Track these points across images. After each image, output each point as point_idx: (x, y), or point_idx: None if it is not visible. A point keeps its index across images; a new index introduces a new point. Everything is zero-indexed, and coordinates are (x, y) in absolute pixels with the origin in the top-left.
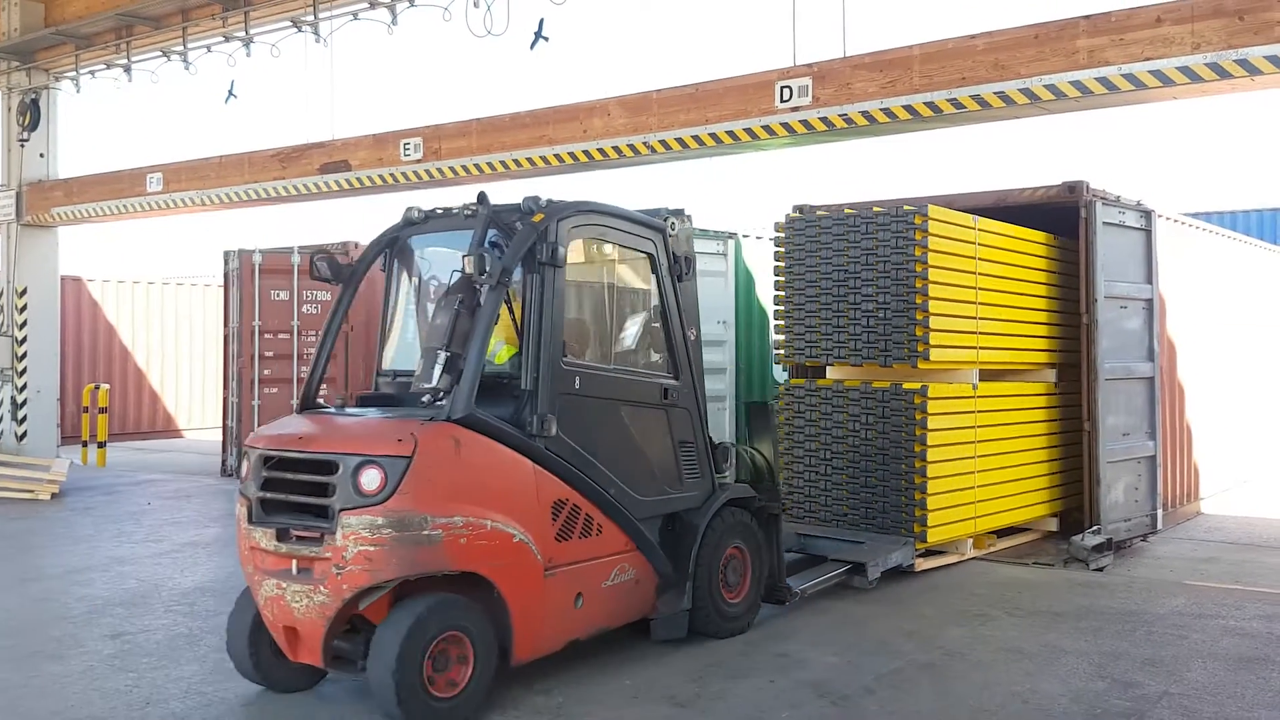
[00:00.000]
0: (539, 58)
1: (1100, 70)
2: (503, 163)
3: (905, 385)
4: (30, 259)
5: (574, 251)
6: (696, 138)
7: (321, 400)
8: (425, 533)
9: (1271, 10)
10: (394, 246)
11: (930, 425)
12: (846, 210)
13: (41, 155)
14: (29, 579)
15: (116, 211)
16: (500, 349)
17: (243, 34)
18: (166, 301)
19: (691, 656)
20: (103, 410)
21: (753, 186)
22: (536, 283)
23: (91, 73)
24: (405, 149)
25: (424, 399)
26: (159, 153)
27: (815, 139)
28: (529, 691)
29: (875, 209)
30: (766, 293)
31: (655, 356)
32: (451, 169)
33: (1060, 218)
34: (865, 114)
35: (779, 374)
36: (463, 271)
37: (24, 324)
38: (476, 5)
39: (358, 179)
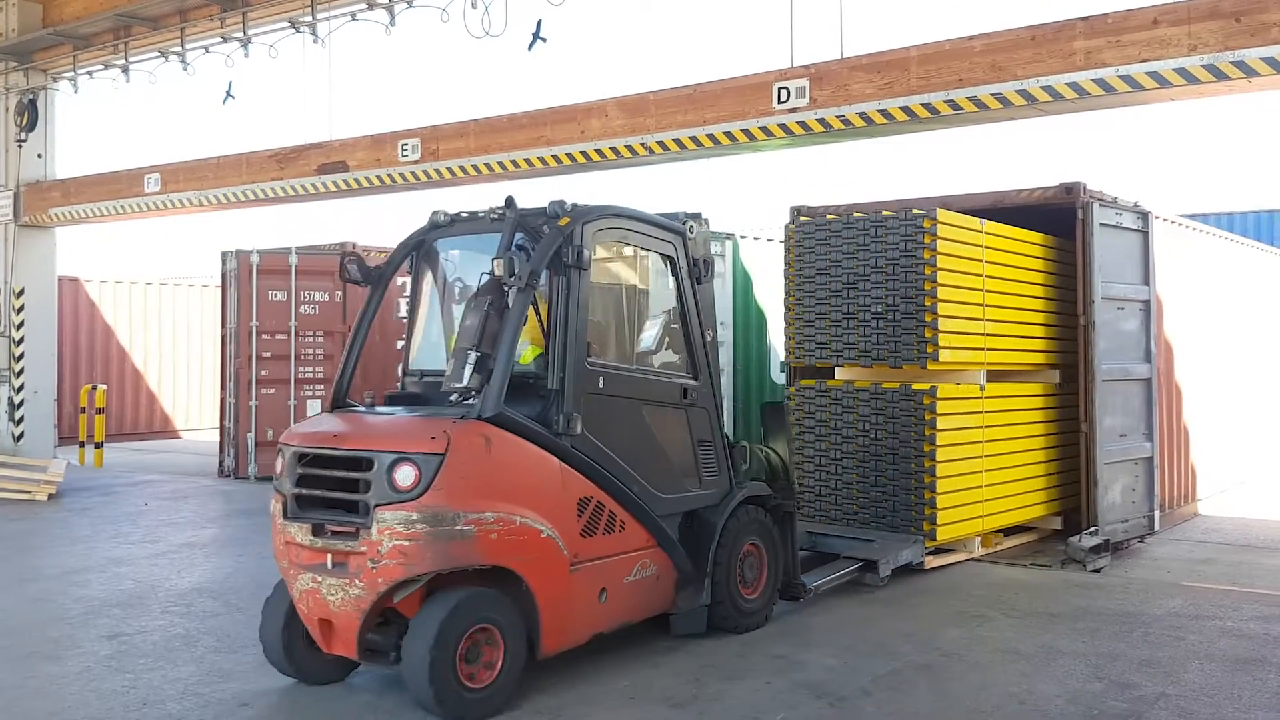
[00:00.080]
0: (537, 59)
1: (1097, 72)
2: (500, 164)
3: (914, 386)
4: (28, 259)
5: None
6: (694, 139)
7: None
8: (458, 528)
9: (1268, 12)
10: (420, 249)
11: (939, 425)
12: (855, 214)
13: (39, 156)
14: (26, 579)
15: (114, 212)
16: (525, 349)
17: (241, 35)
18: (164, 302)
19: (688, 657)
20: (100, 411)
21: (750, 188)
22: (562, 285)
23: (89, 73)
24: (403, 150)
25: (453, 398)
26: (157, 153)
27: (813, 140)
28: (527, 691)
29: (884, 212)
30: (764, 294)
31: (674, 357)
32: (449, 170)
33: (1057, 219)
34: (862, 115)
35: (777, 375)
36: (492, 273)
37: (21, 324)
38: (474, 6)
39: (355, 180)
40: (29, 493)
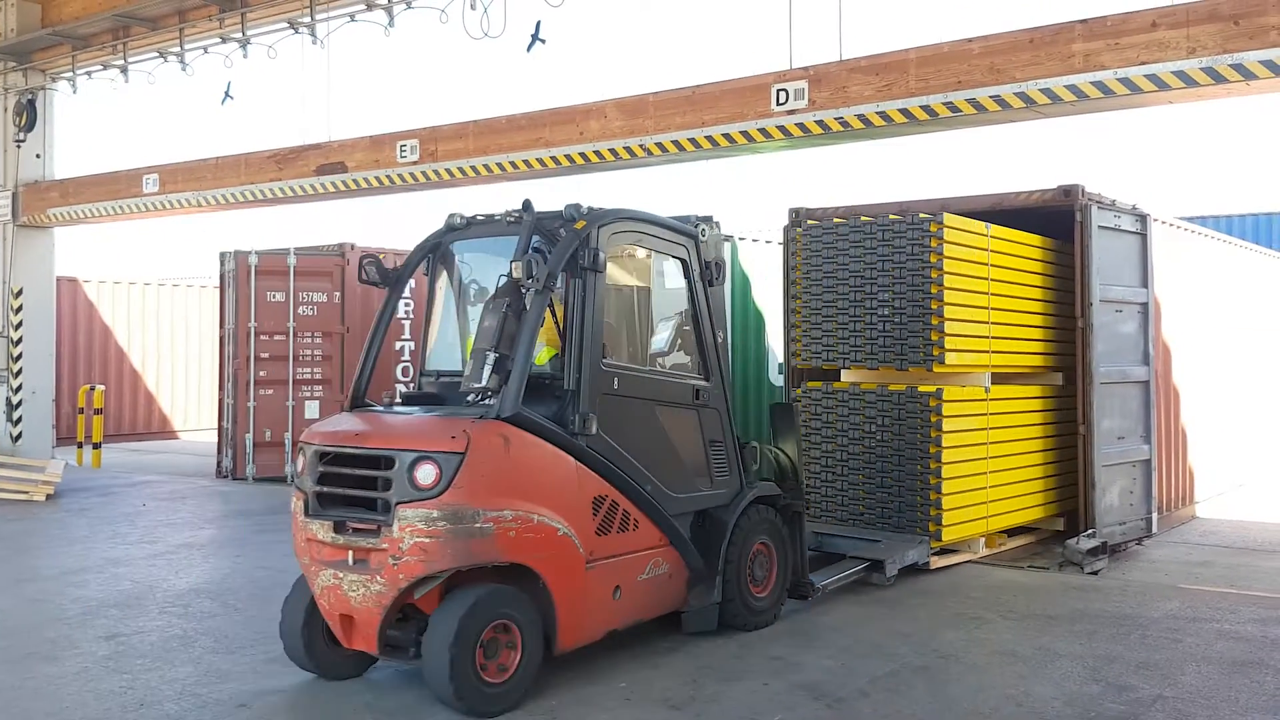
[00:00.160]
0: (536, 60)
1: (1096, 74)
2: (499, 165)
3: (921, 388)
4: (26, 260)
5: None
6: (693, 140)
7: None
8: (477, 525)
9: (1266, 15)
10: (436, 251)
11: (945, 427)
12: (862, 218)
13: (38, 156)
14: (24, 580)
15: (113, 212)
16: (541, 350)
17: (239, 35)
18: (162, 303)
19: (686, 658)
20: (98, 411)
21: (749, 190)
22: (578, 287)
23: (88, 73)
24: (402, 150)
25: (470, 398)
26: (155, 154)
27: (811, 142)
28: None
29: (891, 216)
30: (762, 296)
31: (685, 358)
32: (448, 170)
33: (1056, 221)
34: (861, 117)
35: (775, 377)
36: (509, 275)
37: (19, 325)
38: (473, 7)
39: (354, 180)
40: (27, 493)
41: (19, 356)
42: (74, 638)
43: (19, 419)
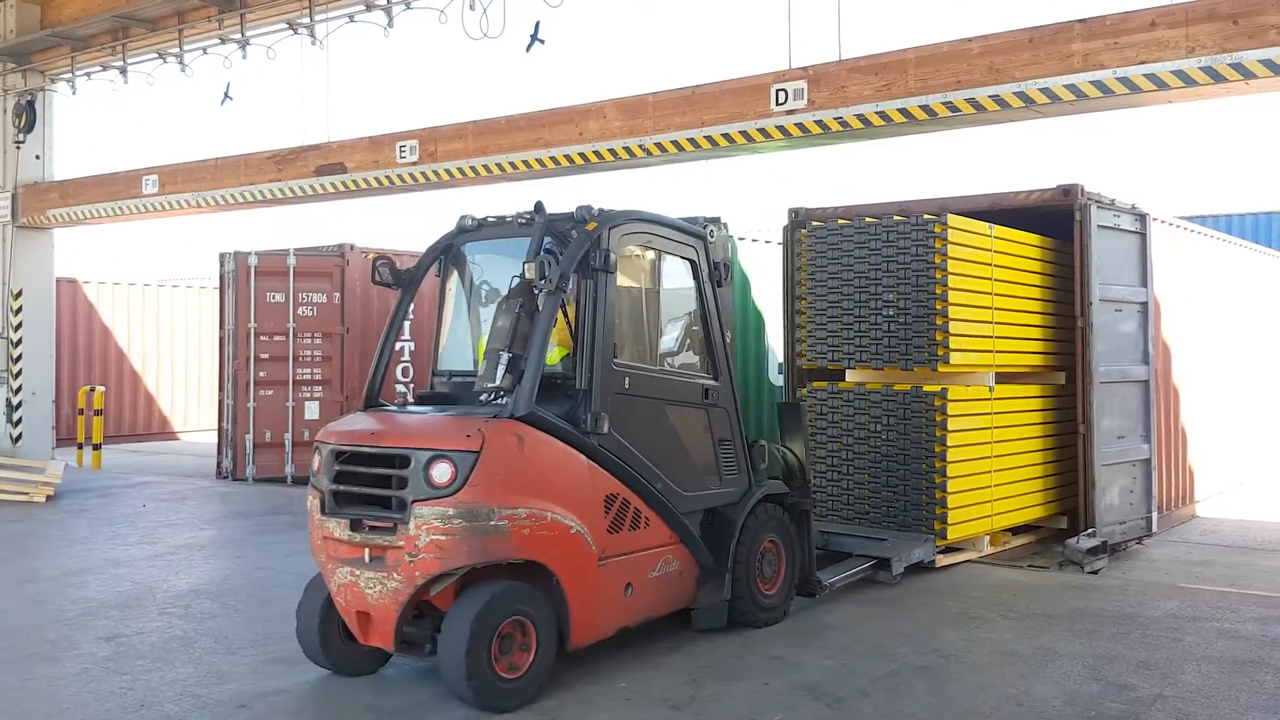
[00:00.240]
0: (535, 60)
1: (1095, 74)
2: (499, 165)
3: (926, 388)
4: (26, 261)
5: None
6: (692, 140)
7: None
8: (492, 523)
9: (1266, 14)
10: (448, 253)
11: (950, 426)
12: (867, 219)
13: (37, 157)
14: (24, 581)
15: (112, 213)
16: (552, 350)
17: (238, 36)
18: (162, 303)
19: (686, 658)
20: (98, 412)
21: (748, 189)
22: (590, 288)
23: (87, 74)
24: (401, 151)
25: (483, 397)
26: (155, 155)
27: (810, 142)
28: None
29: (896, 217)
30: (762, 295)
31: (694, 358)
32: (447, 171)
33: (1055, 221)
34: (860, 117)
35: (775, 377)
36: (522, 277)
37: (19, 326)
38: (472, 8)
39: (354, 181)
40: (27, 494)
41: (19, 358)
42: (74, 639)
43: (19, 420)
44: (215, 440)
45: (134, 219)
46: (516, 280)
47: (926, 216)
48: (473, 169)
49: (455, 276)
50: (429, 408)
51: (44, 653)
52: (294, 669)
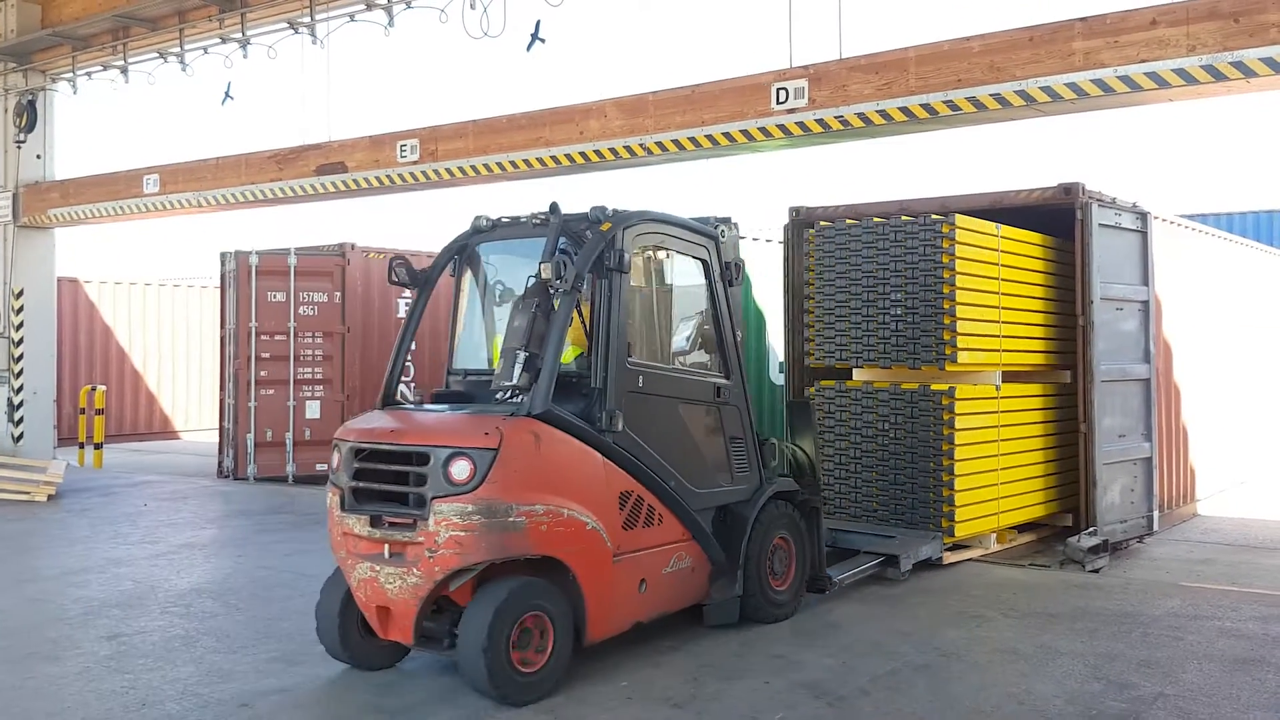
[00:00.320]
0: (535, 59)
1: (1095, 72)
2: (499, 164)
3: (933, 386)
4: (27, 260)
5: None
6: (693, 139)
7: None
8: (510, 519)
9: (1266, 13)
10: (463, 253)
11: (957, 425)
12: (875, 219)
13: (38, 157)
14: (25, 580)
15: (113, 213)
16: (566, 349)
17: (239, 35)
18: (163, 303)
19: (687, 657)
20: (99, 412)
21: (748, 188)
22: (604, 287)
23: (88, 74)
24: (402, 150)
25: (498, 395)
26: (156, 154)
27: (811, 141)
28: None
29: (904, 217)
30: (762, 295)
31: (705, 357)
32: (448, 170)
33: (1056, 219)
34: (861, 116)
35: (776, 376)
36: (538, 277)
37: (21, 325)
38: (473, 7)
39: (354, 180)
40: (28, 493)
41: (20, 357)
42: (75, 638)
43: (20, 419)
44: (216, 439)
45: (135, 218)
46: (532, 280)
47: (934, 216)
48: (473, 168)
49: (470, 276)
50: (445, 406)
51: (45, 652)
52: (295, 667)
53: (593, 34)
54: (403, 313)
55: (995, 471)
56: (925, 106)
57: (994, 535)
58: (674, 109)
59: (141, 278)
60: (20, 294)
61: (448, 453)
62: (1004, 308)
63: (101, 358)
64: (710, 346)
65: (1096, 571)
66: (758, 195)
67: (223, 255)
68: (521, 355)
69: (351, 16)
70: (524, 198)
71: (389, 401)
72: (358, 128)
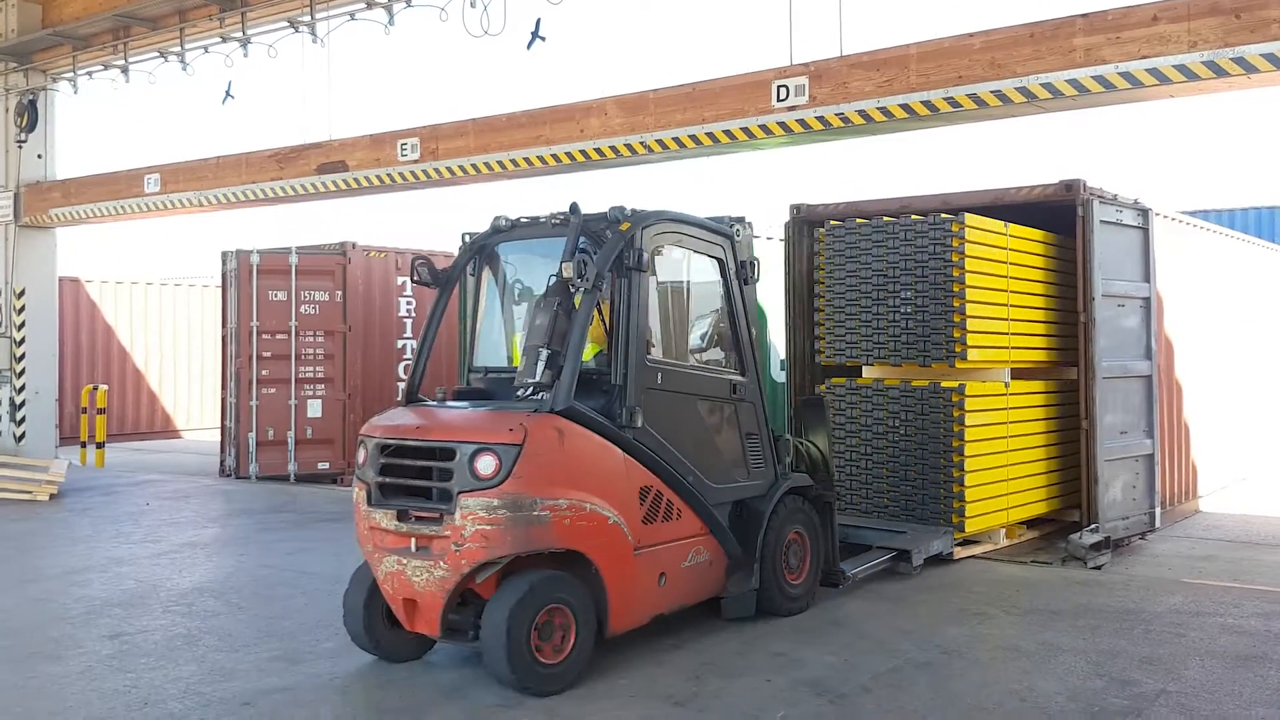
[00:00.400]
0: (536, 58)
1: (1097, 69)
2: (500, 163)
3: (944, 384)
4: (28, 260)
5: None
6: (693, 137)
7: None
8: (535, 513)
9: (1268, 8)
10: (483, 252)
11: (967, 421)
12: (885, 218)
13: (39, 156)
14: (27, 580)
15: (114, 212)
16: (585, 346)
17: (240, 35)
18: (165, 302)
19: (689, 655)
20: (101, 411)
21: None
22: (624, 286)
23: (89, 74)
24: (402, 149)
25: (520, 392)
26: (157, 153)
27: (812, 138)
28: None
29: (914, 216)
30: (763, 292)
31: (720, 354)
32: (449, 169)
33: (1057, 216)
34: (862, 113)
35: (777, 374)
36: (559, 276)
37: (22, 325)
38: (473, 5)
39: (355, 179)
40: (30, 493)
41: (22, 357)
42: (77, 637)
43: (22, 419)
44: (218, 438)
45: (136, 218)
46: (553, 279)
47: (944, 215)
48: (474, 166)
49: (489, 275)
50: (465, 403)
51: (47, 651)
52: (297, 666)
53: (593, 32)
54: (403, 311)
55: (1005, 467)
56: (926, 103)
57: (1003, 530)
58: (675, 107)
59: (143, 277)
60: (22, 294)
61: (473, 448)
62: (1013, 305)
63: (103, 357)
64: (726, 344)
65: (1098, 568)
66: (758, 193)
67: (224, 254)
68: (544, 353)
69: (352, 15)
70: (525, 196)
71: (413, 398)
72: (358, 127)
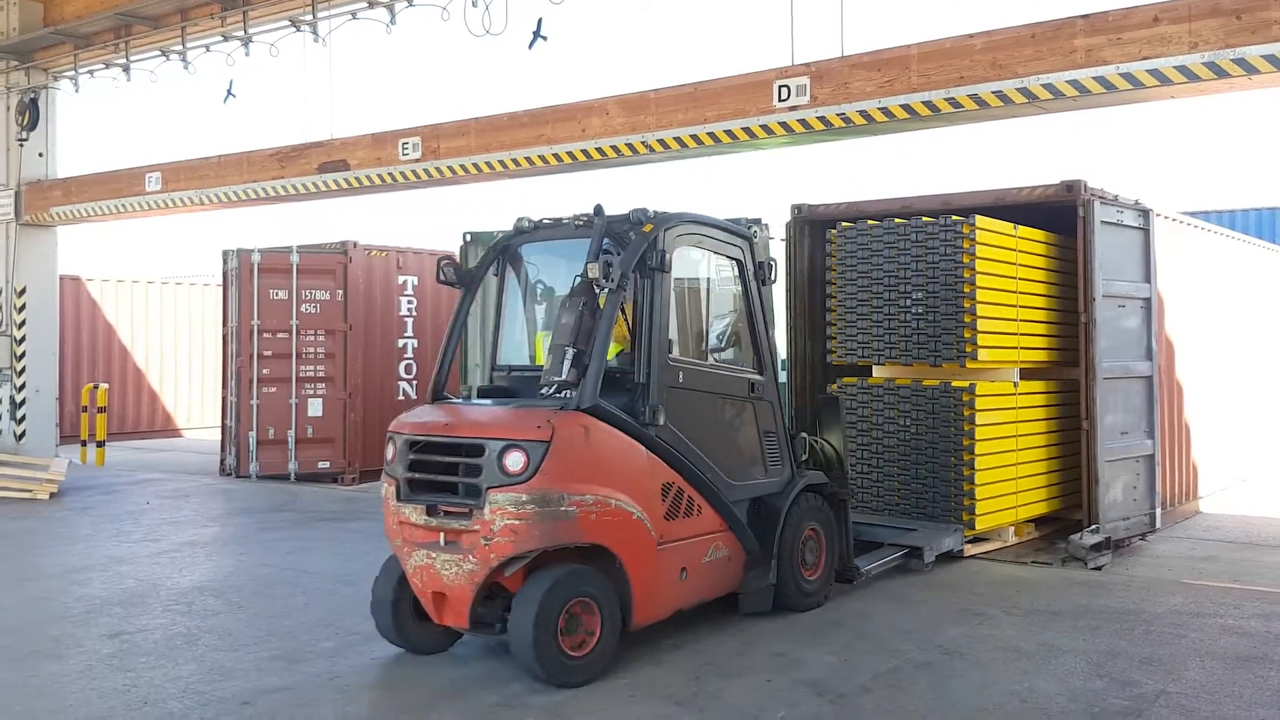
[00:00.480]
0: (537, 57)
1: (1098, 69)
2: (501, 162)
3: (954, 383)
4: (29, 258)
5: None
6: (695, 137)
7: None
8: (562, 508)
9: (1269, 10)
10: (506, 253)
11: (977, 420)
12: (897, 220)
13: (40, 155)
14: (27, 578)
15: (115, 211)
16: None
17: (241, 33)
18: (165, 301)
19: (689, 655)
20: (101, 410)
21: (750, 185)
22: (647, 286)
23: (90, 72)
24: (404, 148)
25: (544, 390)
26: (158, 152)
27: (813, 138)
28: (528, 690)
29: (925, 219)
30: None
31: (738, 353)
32: (450, 168)
33: (1058, 217)
34: (863, 113)
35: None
36: (584, 276)
37: (23, 323)
38: (475, 4)
39: (356, 178)
40: (31, 491)
41: (22, 355)
42: (77, 636)
43: (22, 417)
44: (219, 437)
45: (137, 216)
46: (578, 279)
47: (955, 218)
48: (475, 166)
49: (512, 275)
50: (489, 401)
51: (47, 650)
52: (297, 665)
53: (595, 31)
54: (404, 311)
55: (1013, 466)
56: (927, 104)
57: (1012, 528)
58: (676, 106)
59: (144, 276)
60: (22, 292)
61: (502, 445)
62: (1022, 306)
63: (104, 356)
64: (744, 344)
65: (1099, 569)
66: (759, 192)
67: (225, 253)
68: (570, 352)
69: (353, 14)
70: (526, 195)
71: (439, 396)
72: (360, 126)
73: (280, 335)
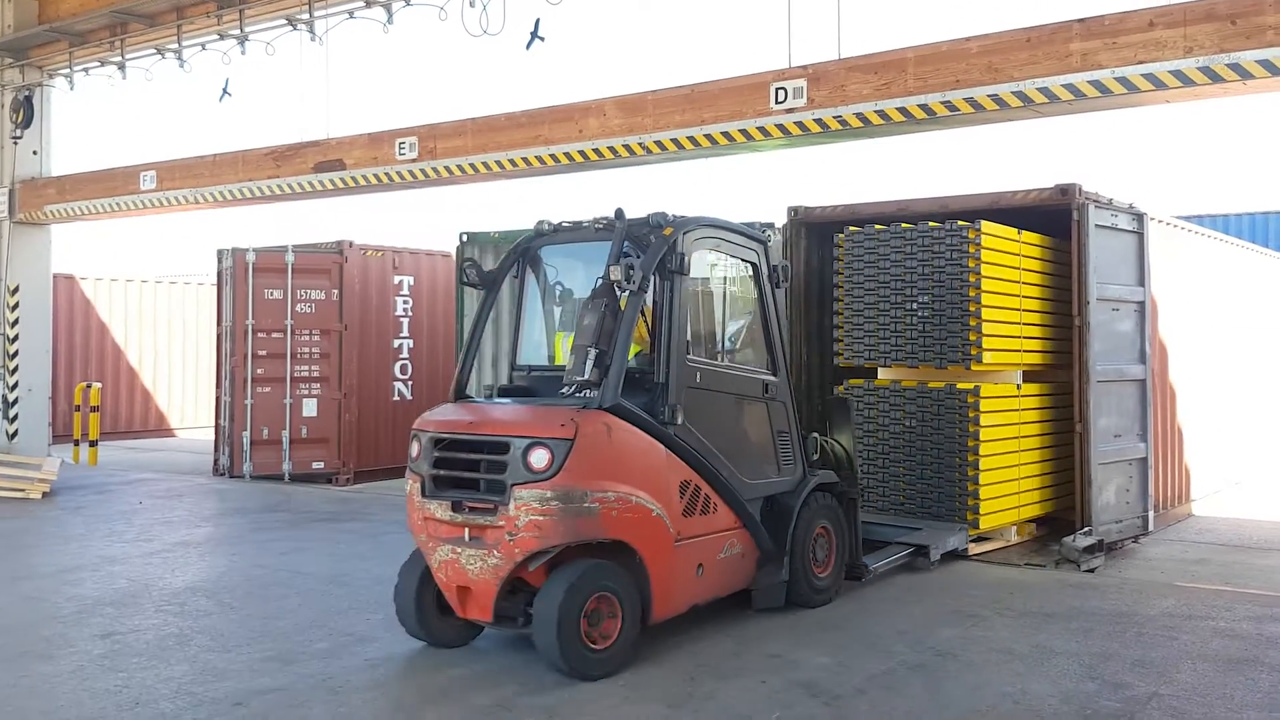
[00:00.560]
0: (535, 58)
1: (1093, 73)
2: (498, 162)
3: (959, 385)
4: (23, 257)
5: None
6: (692, 138)
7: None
8: (585, 505)
9: (1263, 15)
10: (526, 255)
11: (982, 422)
12: (903, 224)
13: (35, 153)
14: (19, 578)
15: (110, 209)
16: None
17: (237, 32)
18: (159, 300)
19: (684, 656)
20: (95, 409)
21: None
22: (666, 288)
23: (85, 70)
24: (400, 148)
25: (564, 390)
26: (153, 151)
27: (810, 140)
28: (522, 691)
29: (931, 224)
30: None
31: (751, 354)
32: (447, 168)
33: (1052, 220)
34: (860, 116)
35: None
36: (606, 278)
37: (16, 322)
38: (472, 5)
39: (352, 178)
40: (23, 491)
41: (15, 354)
42: (69, 636)
43: (15, 416)
44: (212, 437)
45: (132, 215)
46: (600, 281)
47: (960, 223)
48: (472, 166)
49: (531, 277)
50: (509, 400)
51: (39, 650)
52: (290, 666)
53: (592, 33)
54: (400, 311)
55: (1016, 466)
56: (923, 107)
57: (1014, 528)
58: (673, 108)
59: (138, 275)
60: (16, 290)
61: (527, 442)
62: (1025, 309)
63: (97, 355)
64: (758, 345)
65: (1092, 571)
66: (755, 194)
67: (220, 252)
68: (592, 352)
69: (350, 13)
70: (523, 196)
71: (461, 395)
72: (356, 125)
73: (275, 335)
